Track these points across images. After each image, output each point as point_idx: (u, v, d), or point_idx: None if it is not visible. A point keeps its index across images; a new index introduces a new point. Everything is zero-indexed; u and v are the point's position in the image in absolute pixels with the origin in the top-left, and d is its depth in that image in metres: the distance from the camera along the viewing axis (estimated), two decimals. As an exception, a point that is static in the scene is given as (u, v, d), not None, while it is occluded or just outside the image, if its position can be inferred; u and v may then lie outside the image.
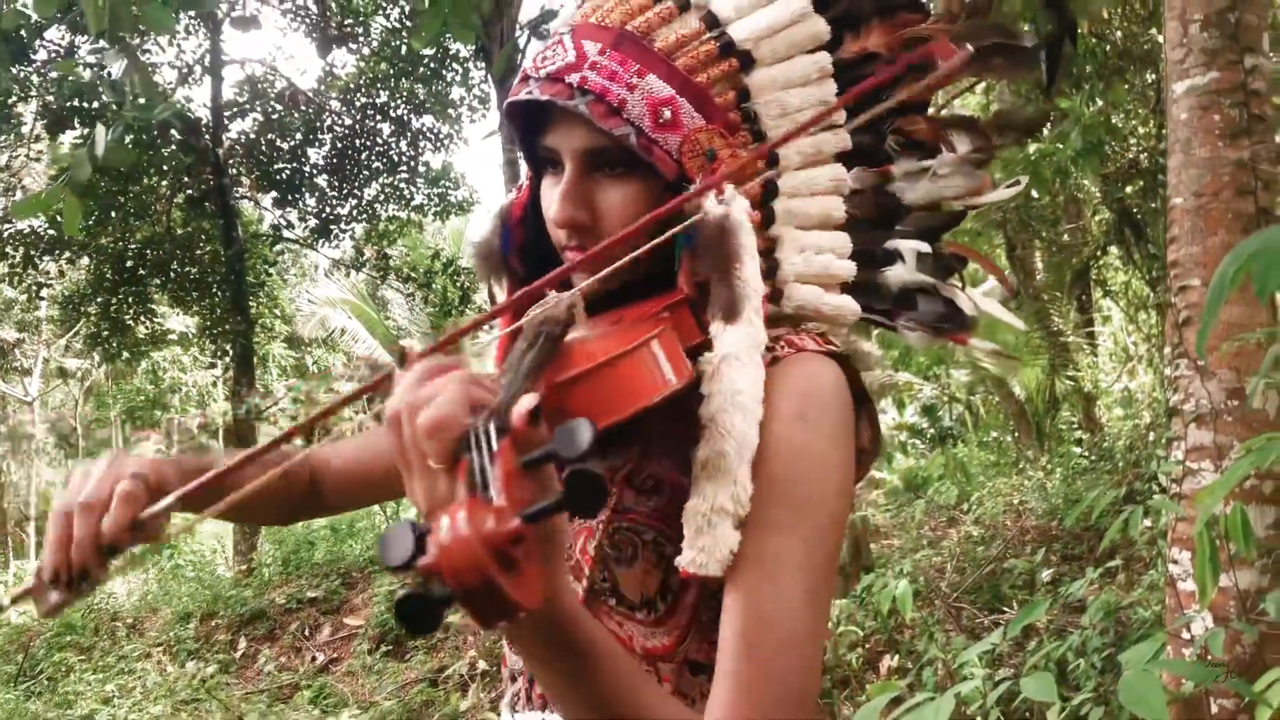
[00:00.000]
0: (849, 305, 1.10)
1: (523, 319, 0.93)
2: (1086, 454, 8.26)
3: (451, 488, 0.68)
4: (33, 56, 10.20)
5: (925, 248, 1.16)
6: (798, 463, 0.94)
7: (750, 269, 0.96)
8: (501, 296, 1.16)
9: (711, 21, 1.04)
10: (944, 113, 1.21)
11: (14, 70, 10.14)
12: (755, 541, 0.91)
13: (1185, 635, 3.03)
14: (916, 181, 1.15)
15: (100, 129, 2.53)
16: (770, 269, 1.06)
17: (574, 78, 0.98)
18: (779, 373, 0.98)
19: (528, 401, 0.69)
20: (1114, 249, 9.15)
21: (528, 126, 1.08)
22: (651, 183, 1.01)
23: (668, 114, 0.99)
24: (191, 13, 11.28)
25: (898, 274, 1.14)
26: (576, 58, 0.99)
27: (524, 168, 1.16)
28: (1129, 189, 8.04)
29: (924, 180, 1.15)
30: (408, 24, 11.47)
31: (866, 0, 1.11)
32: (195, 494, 0.94)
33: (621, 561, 1.01)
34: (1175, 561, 3.14)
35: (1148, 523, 4.46)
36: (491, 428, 0.67)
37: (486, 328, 1.00)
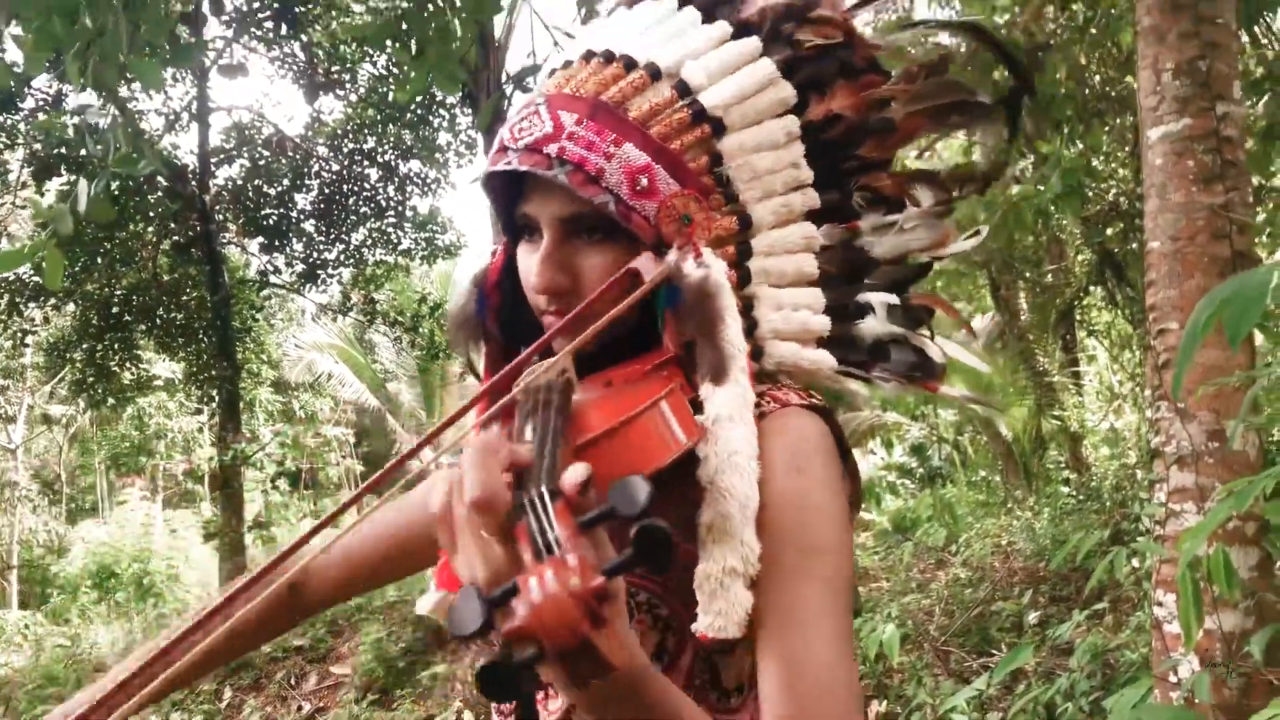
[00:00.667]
0: (826, 359, 1.13)
1: (514, 388, 0.94)
2: (1074, 494, 8.27)
3: (512, 554, 0.68)
4: (20, 105, 10.24)
5: (894, 300, 1.20)
6: (801, 512, 0.96)
7: (734, 330, 0.99)
8: (480, 364, 1.17)
9: (683, 90, 1.07)
10: (907, 168, 1.25)
11: (1, 118, 10.19)
12: (776, 594, 0.93)
13: (1172, 678, 3.03)
14: (883, 236, 1.18)
15: (83, 183, 2.54)
16: (749, 327, 1.08)
17: (552, 148, 1.01)
18: (767, 428, 1.00)
19: (581, 470, 0.69)
20: (1097, 289, 9.21)
21: (506, 194, 1.11)
22: (630, 247, 1.04)
23: (644, 181, 1.01)
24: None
25: (870, 326, 1.18)
26: (554, 128, 1.02)
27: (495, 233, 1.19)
28: (1109, 230, 8.12)
29: (890, 234, 1.18)
30: (394, 71, 11.56)
31: (830, 64, 1.14)
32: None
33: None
34: (1160, 604, 3.14)
35: (1134, 564, 4.46)
36: (545, 492, 0.67)
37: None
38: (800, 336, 1.11)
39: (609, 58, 1.08)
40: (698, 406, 0.97)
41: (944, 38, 1.18)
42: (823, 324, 1.13)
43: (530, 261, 1.07)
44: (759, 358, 1.09)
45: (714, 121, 1.07)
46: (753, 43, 1.11)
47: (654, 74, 1.07)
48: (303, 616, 1.37)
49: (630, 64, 1.07)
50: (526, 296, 1.10)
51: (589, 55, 1.09)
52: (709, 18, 1.14)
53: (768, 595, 0.93)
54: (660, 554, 0.60)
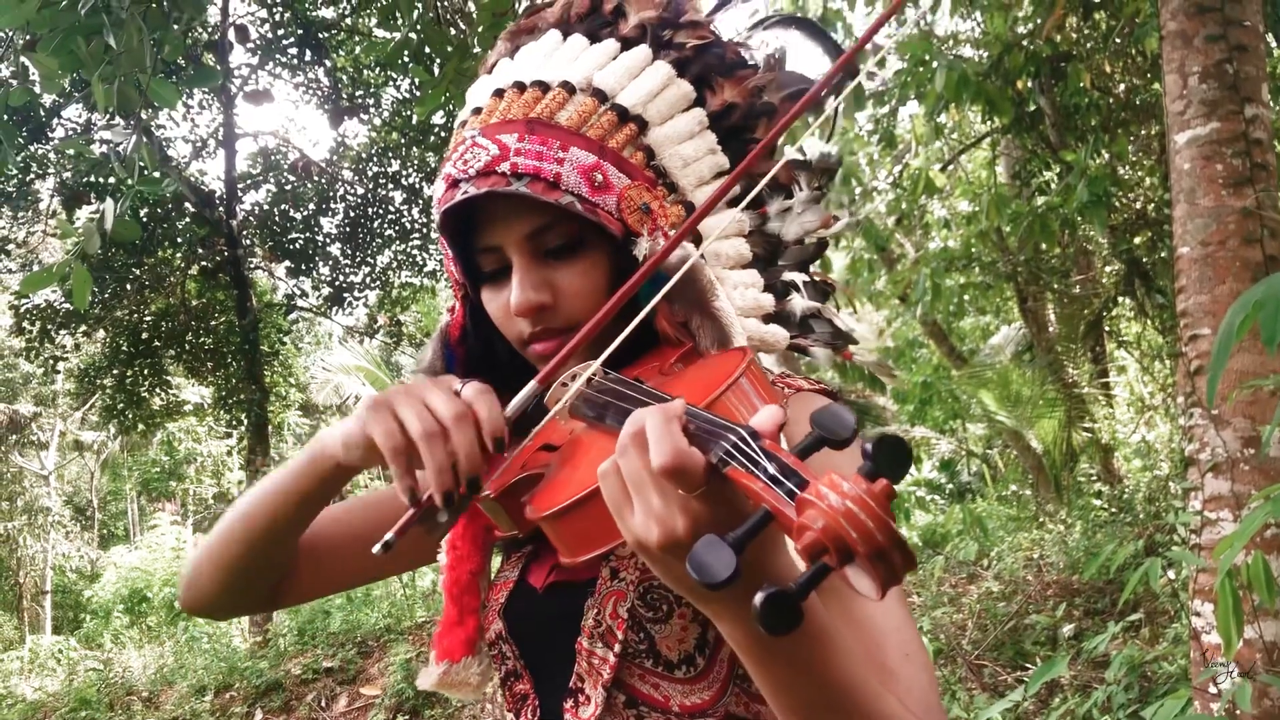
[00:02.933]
0: (781, 333, 1.20)
1: (560, 403, 0.96)
2: (1106, 506, 8.18)
3: (723, 500, 0.70)
4: (50, 134, 10.39)
5: (805, 277, 1.28)
6: None
7: (723, 300, 1.05)
8: None
9: (601, 96, 1.13)
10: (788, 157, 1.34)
11: (32, 148, 10.33)
12: None
13: (1212, 689, 2.97)
14: (785, 219, 1.27)
15: (109, 202, 2.57)
16: None
17: (504, 166, 1.03)
18: (788, 412, 1.00)
19: (776, 411, 0.72)
20: (1125, 299, 9.14)
21: (459, 235, 1.12)
22: (601, 249, 1.08)
23: (599, 178, 1.06)
24: (205, 88, 11.50)
25: (799, 302, 1.26)
26: (499, 149, 1.05)
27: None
28: (1137, 239, 8.05)
29: (790, 217, 1.27)
30: (417, 94, 11.64)
31: (712, 61, 1.22)
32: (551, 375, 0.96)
33: (657, 620, 1.01)
34: (1198, 614, 3.09)
35: (1170, 575, 4.40)
36: (745, 434, 0.68)
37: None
38: (754, 313, 1.17)
39: (521, 87, 1.12)
40: None
41: (781, 32, 1.35)
42: (769, 300, 1.20)
43: (501, 296, 1.09)
44: None
45: (636, 119, 1.13)
46: (644, 50, 1.18)
47: (569, 89, 1.12)
48: (284, 604, 1.31)
49: (544, 86, 1.12)
50: (502, 338, 1.13)
51: (499, 92, 1.13)
52: (594, 40, 1.20)
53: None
54: (900, 460, 0.60)
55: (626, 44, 1.19)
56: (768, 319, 1.20)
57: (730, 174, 1.07)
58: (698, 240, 1.14)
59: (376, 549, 0.87)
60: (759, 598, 0.57)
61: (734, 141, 1.21)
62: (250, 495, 1.14)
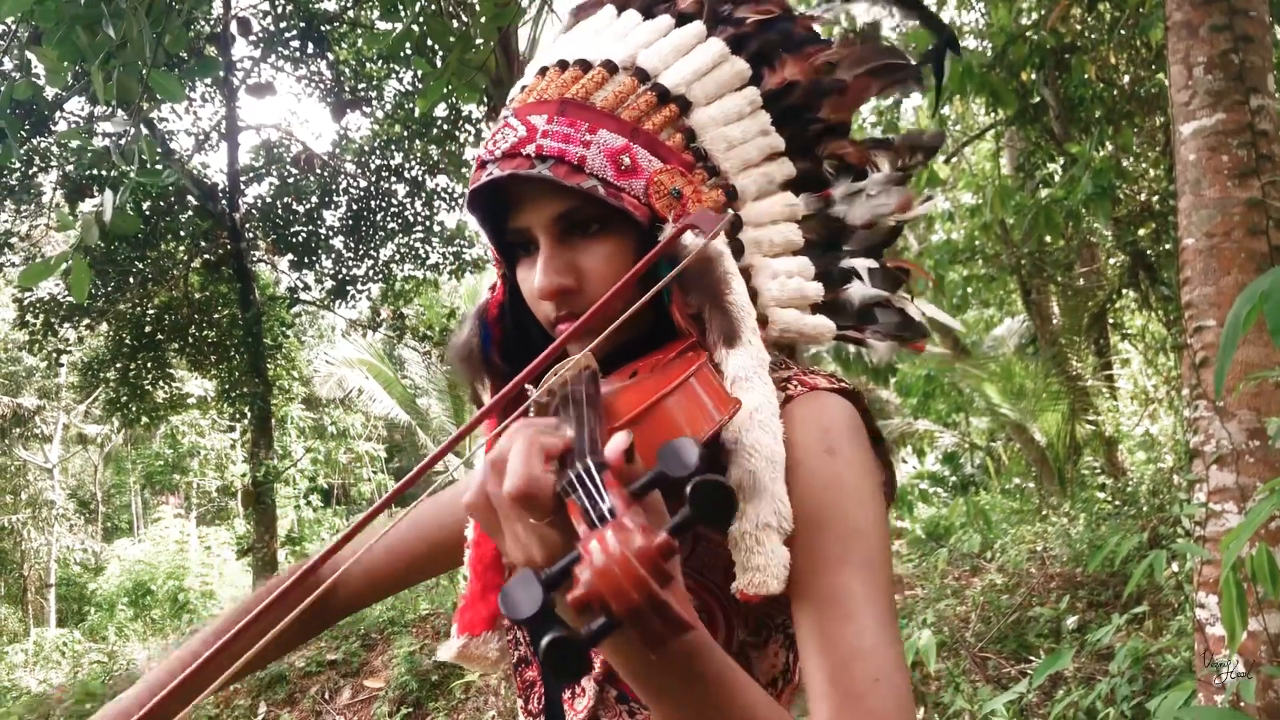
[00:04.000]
0: (826, 324, 1.15)
1: (538, 390, 0.93)
2: (1110, 499, 8.17)
3: (567, 531, 0.68)
4: (52, 127, 10.38)
5: (873, 264, 1.23)
6: (837, 495, 0.95)
7: (739, 293, 1.00)
8: (487, 397, 1.18)
9: (642, 75, 1.09)
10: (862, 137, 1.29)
11: (34, 141, 10.33)
12: (817, 582, 0.91)
13: (1216, 682, 2.97)
14: (854, 202, 1.21)
15: (108, 194, 2.56)
16: (751, 295, 1.08)
17: (529, 149, 1.02)
18: (796, 410, 0.99)
19: (621, 438, 0.70)
20: (1129, 292, 9.12)
21: (492, 215, 1.11)
22: (627, 234, 1.05)
23: (627, 161, 1.03)
24: (208, 80, 11.49)
25: (857, 290, 1.21)
26: (527, 131, 1.03)
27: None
28: (1141, 232, 8.03)
29: (860, 200, 1.21)
30: (419, 87, 11.63)
31: (774, 37, 1.18)
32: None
33: None
34: (1202, 606, 3.09)
35: (1174, 567, 4.39)
36: (591, 465, 0.67)
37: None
38: (799, 303, 1.13)
39: (563, 65, 1.10)
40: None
41: (863, 8, 1.28)
42: (817, 290, 1.15)
43: (532, 276, 1.07)
44: (764, 326, 1.10)
45: (679, 99, 1.09)
46: (697, 26, 1.14)
47: (610, 68, 1.09)
48: (333, 619, 1.39)
49: (585, 65, 1.09)
50: (534, 317, 1.11)
51: (543, 70, 1.12)
52: (649, 16, 1.17)
53: (808, 584, 0.91)
54: (720, 508, 0.59)
55: (682, 20, 1.16)
56: (816, 309, 1.16)
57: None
58: (739, 225, 1.11)
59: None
60: (545, 639, 0.56)
61: (793, 122, 1.18)
62: None
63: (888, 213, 1.22)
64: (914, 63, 1.23)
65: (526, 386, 0.92)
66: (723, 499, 0.59)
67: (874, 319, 1.21)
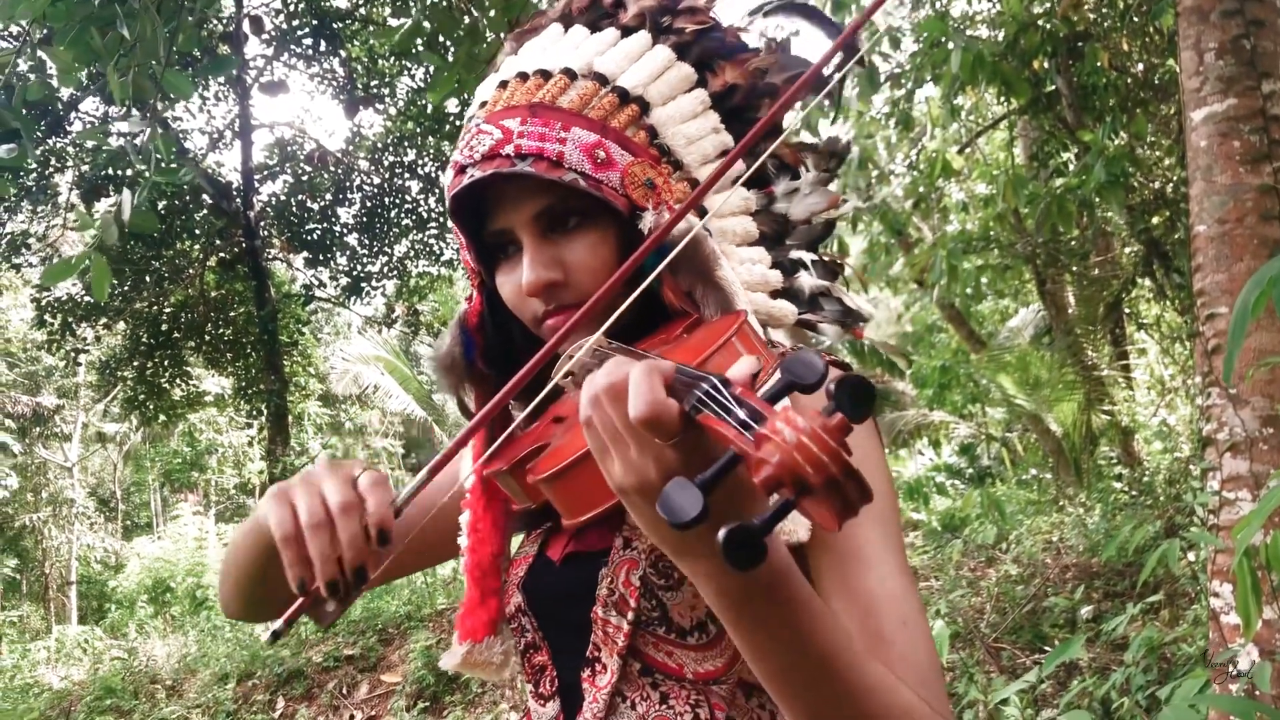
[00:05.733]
0: (789, 307, 1.21)
1: (556, 381, 0.96)
2: (1126, 489, 8.14)
3: (698, 446, 0.72)
4: (68, 127, 10.44)
5: (813, 256, 1.29)
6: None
7: (727, 269, 1.08)
8: (472, 405, 1.23)
9: (602, 79, 1.15)
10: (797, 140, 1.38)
11: (51, 142, 10.39)
12: (834, 541, 0.96)
13: (1231, 670, 2.96)
14: (792, 199, 1.28)
15: (126, 194, 2.58)
16: None
17: (508, 149, 1.06)
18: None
19: (751, 361, 0.73)
20: (1144, 280, 9.07)
21: (470, 221, 1.15)
22: (608, 224, 1.10)
23: (602, 155, 1.08)
24: (221, 79, 11.54)
25: (807, 280, 1.27)
26: (503, 134, 1.07)
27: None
28: (1155, 220, 7.99)
29: (797, 198, 1.28)
30: (431, 82, 11.63)
31: (712, 44, 1.24)
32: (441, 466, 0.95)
33: (670, 587, 1.02)
34: (1217, 594, 3.08)
35: (1190, 557, 4.38)
36: (716, 382, 0.69)
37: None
38: (763, 288, 1.19)
39: (524, 76, 1.15)
40: None
41: (783, 19, 1.39)
42: (778, 277, 1.21)
43: (513, 280, 1.12)
44: None
45: (638, 100, 1.15)
46: (643, 35, 1.21)
47: (570, 75, 1.14)
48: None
49: (546, 74, 1.14)
50: (516, 323, 1.16)
51: (503, 84, 1.16)
52: (595, 30, 1.23)
53: (828, 538, 0.96)
54: (864, 401, 0.61)
55: (626, 32, 1.22)
56: (775, 295, 1.21)
57: (732, 151, 1.08)
58: (702, 214, 1.16)
59: (265, 637, 0.89)
60: (722, 533, 0.58)
61: (737, 122, 1.23)
62: (241, 527, 1.21)
63: (820, 210, 1.29)
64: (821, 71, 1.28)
65: (513, 403, 0.94)
66: (865, 392, 0.61)
67: (821, 307, 1.27)
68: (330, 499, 0.91)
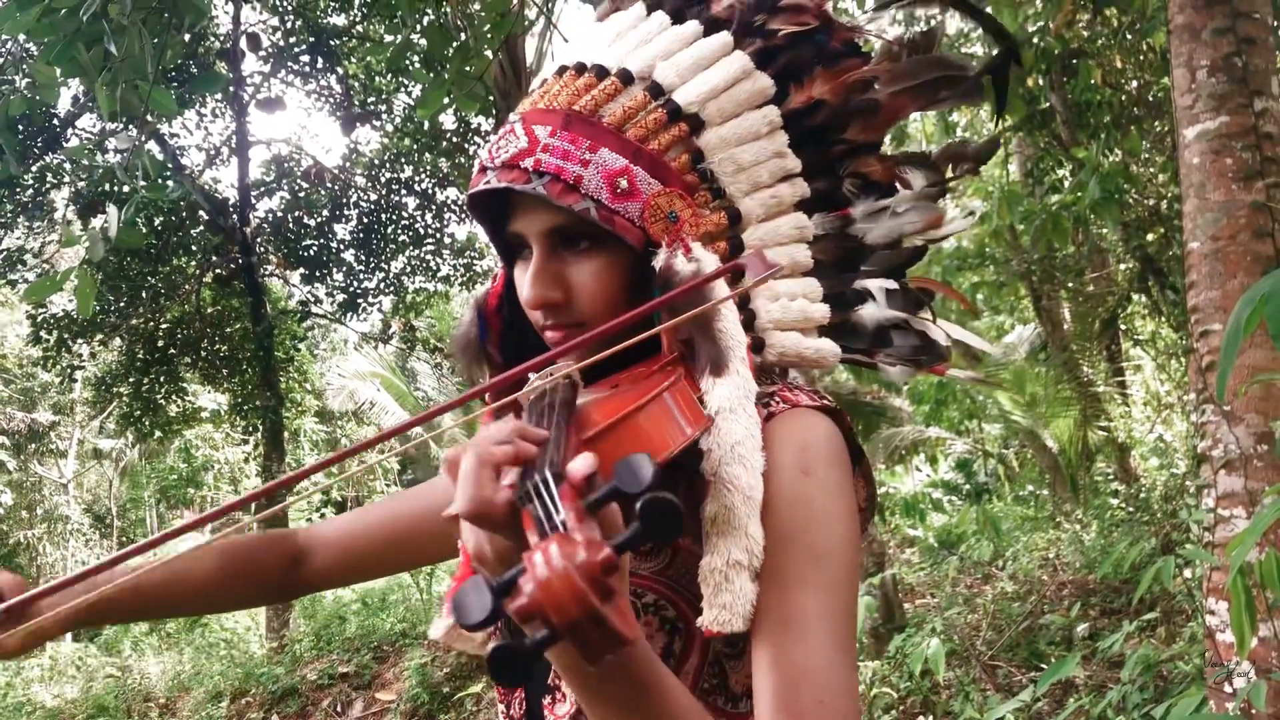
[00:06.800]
0: (829, 348, 1.12)
1: (517, 396, 0.94)
2: (1122, 505, 8.13)
3: (519, 541, 0.68)
4: (64, 144, 10.45)
5: (893, 284, 1.20)
6: (806, 516, 0.94)
7: (729, 320, 0.99)
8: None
9: (656, 90, 1.07)
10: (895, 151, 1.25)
11: (46, 158, 10.39)
12: (776, 600, 0.91)
13: (1227, 688, 2.94)
14: (876, 221, 1.18)
15: (112, 210, 2.57)
16: (748, 319, 1.07)
17: (528, 162, 1.01)
18: (776, 428, 0.98)
19: (588, 459, 0.70)
20: (1140, 297, 9.08)
21: (494, 215, 1.11)
22: (620, 253, 1.04)
23: (624, 183, 1.01)
24: (218, 95, 11.55)
25: (871, 312, 1.18)
26: (529, 143, 1.02)
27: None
28: (1150, 236, 8.00)
29: (883, 219, 1.18)
30: (428, 99, 11.64)
31: (807, 51, 1.15)
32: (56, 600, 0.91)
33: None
34: (1212, 612, 3.06)
35: (1186, 574, 4.36)
36: (549, 476, 0.68)
37: (479, 402, 1.00)
38: (801, 325, 1.11)
39: (580, 69, 1.08)
40: (701, 401, 0.96)
41: (925, 14, 1.19)
42: (823, 312, 1.13)
43: (525, 280, 1.07)
44: (760, 350, 1.08)
45: (690, 118, 1.07)
46: (723, 37, 1.11)
47: (625, 79, 1.07)
48: (304, 589, 1.38)
49: (601, 72, 1.07)
50: (527, 316, 1.11)
51: (562, 70, 1.10)
52: (678, 19, 1.14)
53: (768, 600, 0.91)
54: (668, 525, 0.59)
55: (711, 28, 1.13)
56: (825, 331, 1.13)
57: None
58: (738, 249, 1.09)
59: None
60: (489, 647, 0.57)
61: (815, 144, 1.15)
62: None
63: (913, 231, 1.19)
64: (972, 74, 1.18)
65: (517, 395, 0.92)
66: (670, 517, 0.59)
67: (889, 341, 1.18)
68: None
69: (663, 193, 1.03)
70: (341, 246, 13.00)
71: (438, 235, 13.23)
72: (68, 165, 10.51)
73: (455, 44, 3.42)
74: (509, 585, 0.60)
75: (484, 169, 1.05)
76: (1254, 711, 2.71)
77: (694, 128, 1.07)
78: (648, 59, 1.09)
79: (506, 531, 0.70)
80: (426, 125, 11.92)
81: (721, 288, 0.99)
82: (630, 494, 0.62)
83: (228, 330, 12.52)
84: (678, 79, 1.08)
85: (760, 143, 1.10)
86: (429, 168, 12.76)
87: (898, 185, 1.21)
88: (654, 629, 0.99)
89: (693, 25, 1.13)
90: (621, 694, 0.77)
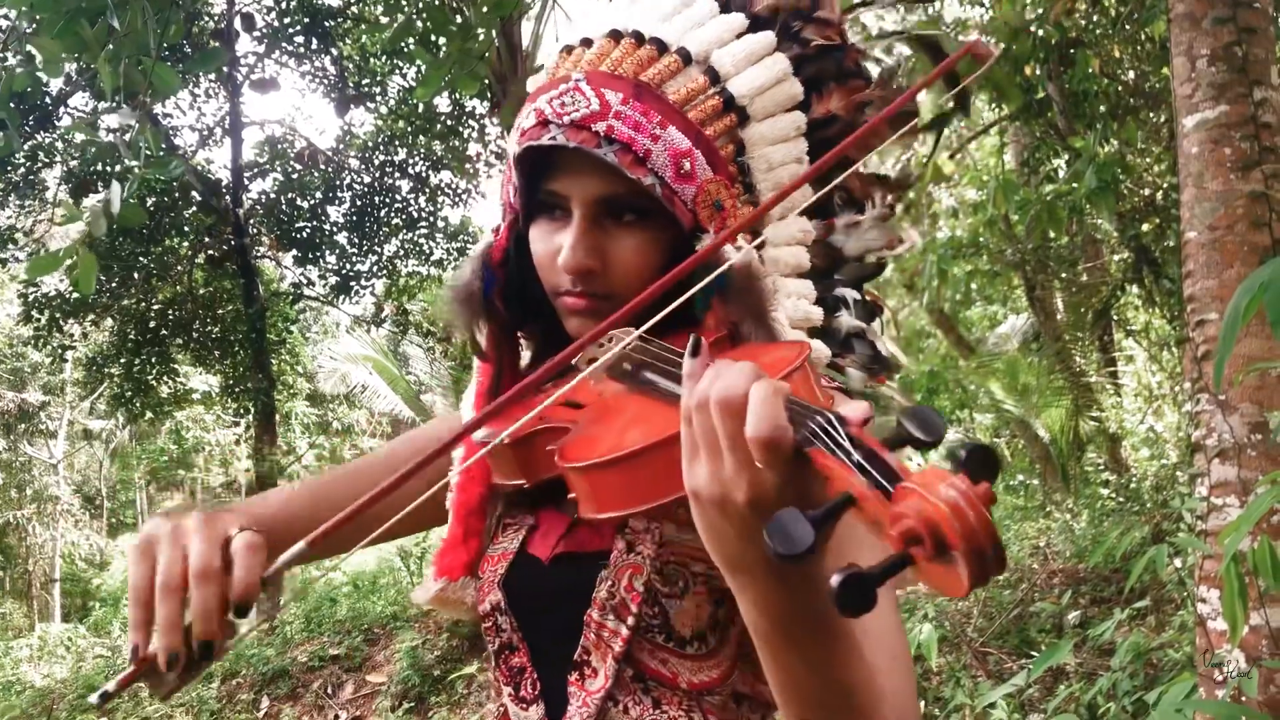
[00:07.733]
0: (823, 349, 1.16)
1: (574, 367, 0.93)
2: (1113, 495, 8.16)
3: (802, 478, 0.69)
4: (57, 122, 10.40)
5: (857, 295, 1.23)
6: None
7: (780, 311, 1.03)
8: (484, 341, 1.18)
9: (714, 76, 1.09)
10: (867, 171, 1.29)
11: (39, 137, 10.34)
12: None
13: (1218, 676, 2.96)
14: (851, 234, 1.22)
15: (116, 186, 2.56)
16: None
17: (600, 125, 1.01)
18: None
19: (865, 406, 0.70)
20: (1133, 288, 9.10)
21: (533, 170, 1.09)
22: (663, 231, 1.06)
23: (687, 165, 1.03)
24: (212, 75, 11.50)
25: (846, 319, 1.21)
26: (601, 106, 1.02)
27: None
28: (1145, 227, 8.01)
29: (856, 233, 1.22)
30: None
31: (830, 66, 1.18)
32: (328, 534, 0.84)
33: (674, 595, 1.01)
34: (1204, 600, 3.08)
35: (1177, 563, 4.39)
36: (832, 418, 0.68)
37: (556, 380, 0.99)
38: (803, 325, 1.14)
39: (639, 39, 1.08)
40: None
41: (903, 47, 1.27)
42: (819, 314, 1.16)
43: (551, 240, 1.07)
44: None
45: (740, 110, 1.09)
46: (769, 36, 1.13)
47: (685, 58, 1.08)
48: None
49: (662, 47, 1.08)
50: (538, 273, 1.10)
51: (616, 35, 1.10)
52: (724, 8, 1.15)
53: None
54: (995, 470, 0.61)
55: (755, 24, 1.14)
56: (813, 333, 1.16)
57: (763, 204, 1.04)
58: (762, 244, 1.11)
59: (93, 699, 0.81)
60: (837, 578, 0.57)
61: (821, 154, 1.14)
62: None
63: (877, 247, 1.24)
64: (920, 119, 1.23)
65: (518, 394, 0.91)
66: (995, 461, 0.61)
67: (852, 349, 1.22)
68: (192, 561, 0.84)
69: (714, 180, 1.06)
70: (334, 229, 12.99)
71: (431, 219, 13.22)
72: (59, 144, 10.46)
73: (455, 24, 3.41)
74: (828, 517, 0.61)
75: (545, 122, 1.03)
76: (1245, 699, 2.73)
77: (741, 120, 1.10)
78: (704, 42, 1.10)
79: (787, 467, 0.69)
80: (421, 108, 11.87)
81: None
82: (924, 441, 0.64)
83: (220, 312, 12.50)
84: (733, 69, 1.10)
85: (788, 145, 1.13)
86: (423, 151, 12.74)
87: (866, 203, 1.26)
88: (703, 597, 1.01)
89: (739, 18, 1.14)
90: (819, 639, 0.77)
